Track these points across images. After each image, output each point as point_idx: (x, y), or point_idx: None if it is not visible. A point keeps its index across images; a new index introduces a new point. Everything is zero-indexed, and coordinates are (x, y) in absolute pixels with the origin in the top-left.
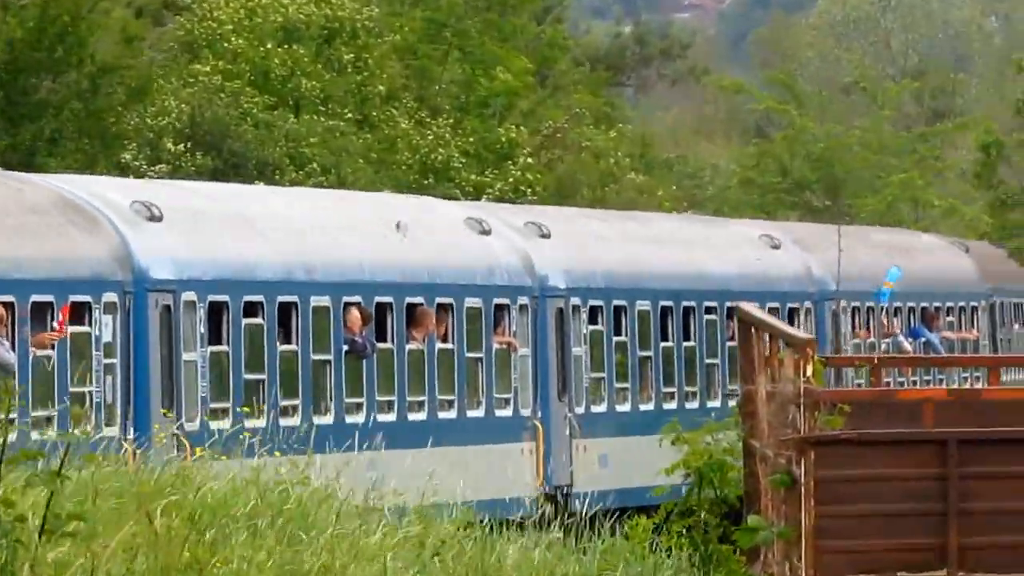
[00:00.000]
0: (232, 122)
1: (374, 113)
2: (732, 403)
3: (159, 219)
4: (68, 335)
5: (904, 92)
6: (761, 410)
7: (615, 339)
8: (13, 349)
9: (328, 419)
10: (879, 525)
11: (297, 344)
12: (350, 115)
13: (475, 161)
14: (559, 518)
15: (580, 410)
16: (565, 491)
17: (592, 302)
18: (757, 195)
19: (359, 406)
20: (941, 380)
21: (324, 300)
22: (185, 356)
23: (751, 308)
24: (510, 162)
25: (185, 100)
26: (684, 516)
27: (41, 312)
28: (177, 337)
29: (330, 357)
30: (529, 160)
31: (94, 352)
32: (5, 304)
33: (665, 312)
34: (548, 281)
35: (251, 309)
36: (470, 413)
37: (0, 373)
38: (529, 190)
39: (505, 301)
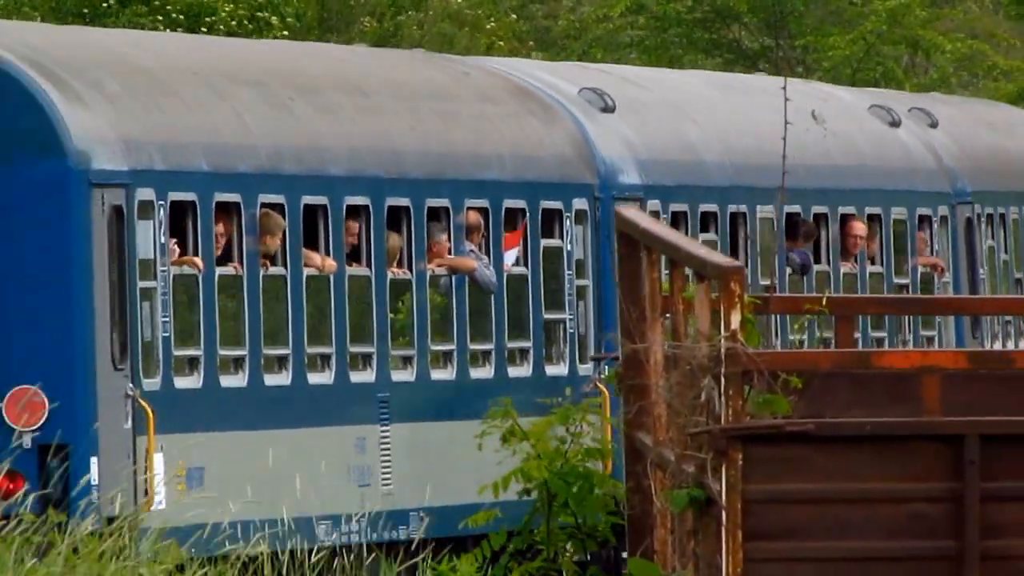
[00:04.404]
0: None
1: None
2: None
3: (612, 109)
4: (537, 249)
5: None
6: (655, 384)
7: (1002, 257)
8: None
9: None
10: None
11: (746, 265)
12: None
13: None
14: None
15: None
16: None
17: (988, 209)
18: (649, 31)
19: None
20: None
21: (768, 211)
22: None
23: (635, 212)
24: None
25: None
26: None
27: (508, 221)
28: None
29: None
30: None
31: (565, 271)
32: (479, 210)
33: None
34: (957, 184)
35: (704, 222)
36: None
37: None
38: (275, 19)
39: (926, 211)
